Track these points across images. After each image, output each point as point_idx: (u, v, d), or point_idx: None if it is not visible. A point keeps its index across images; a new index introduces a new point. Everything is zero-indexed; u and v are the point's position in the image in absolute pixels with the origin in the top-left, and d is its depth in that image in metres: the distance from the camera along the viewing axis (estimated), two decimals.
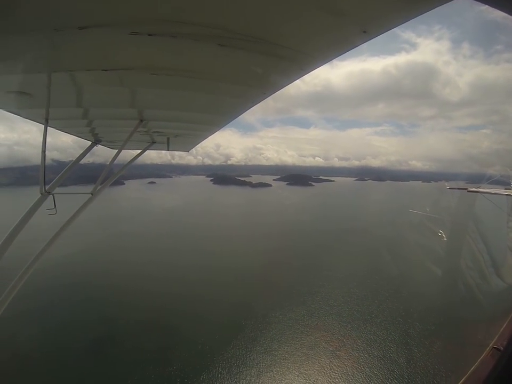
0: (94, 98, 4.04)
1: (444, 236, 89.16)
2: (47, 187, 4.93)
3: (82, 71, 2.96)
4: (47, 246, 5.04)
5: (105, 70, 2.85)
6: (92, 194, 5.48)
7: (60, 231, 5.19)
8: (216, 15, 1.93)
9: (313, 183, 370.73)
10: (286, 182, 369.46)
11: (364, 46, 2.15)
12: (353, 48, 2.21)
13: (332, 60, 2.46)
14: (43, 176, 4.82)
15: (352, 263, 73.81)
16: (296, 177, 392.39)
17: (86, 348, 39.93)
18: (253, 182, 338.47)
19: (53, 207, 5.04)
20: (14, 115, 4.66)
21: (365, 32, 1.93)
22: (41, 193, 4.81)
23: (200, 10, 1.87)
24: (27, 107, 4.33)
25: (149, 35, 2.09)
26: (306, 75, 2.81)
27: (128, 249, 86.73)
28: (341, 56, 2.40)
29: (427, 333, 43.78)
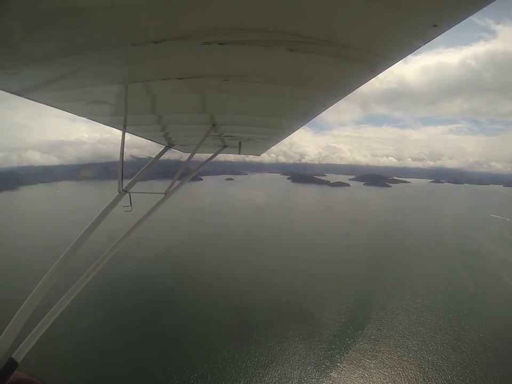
0: (168, 105, 4.24)
1: None
2: (124, 186, 5.31)
3: (157, 81, 3.13)
4: (117, 244, 5.20)
5: (179, 79, 2.98)
6: (165, 194, 5.72)
7: (132, 229, 5.39)
8: (284, 20, 1.93)
9: (390, 184, 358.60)
10: (363, 182, 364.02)
11: (439, 37, 1.92)
12: (423, 45, 2.06)
13: (401, 59, 2.34)
14: (121, 176, 5.21)
15: (426, 269, 73.12)
16: (372, 177, 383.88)
17: (230, 334, 44.40)
18: (331, 181, 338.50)
19: (129, 204, 5.43)
20: None
21: (435, 26, 1.80)
22: (119, 192, 5.19)
23: (268, 17, 1.89)
24: (107, 115, 4.71)
25: (220, 44, 2.15)
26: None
27: (232, 237, 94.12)
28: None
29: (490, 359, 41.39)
